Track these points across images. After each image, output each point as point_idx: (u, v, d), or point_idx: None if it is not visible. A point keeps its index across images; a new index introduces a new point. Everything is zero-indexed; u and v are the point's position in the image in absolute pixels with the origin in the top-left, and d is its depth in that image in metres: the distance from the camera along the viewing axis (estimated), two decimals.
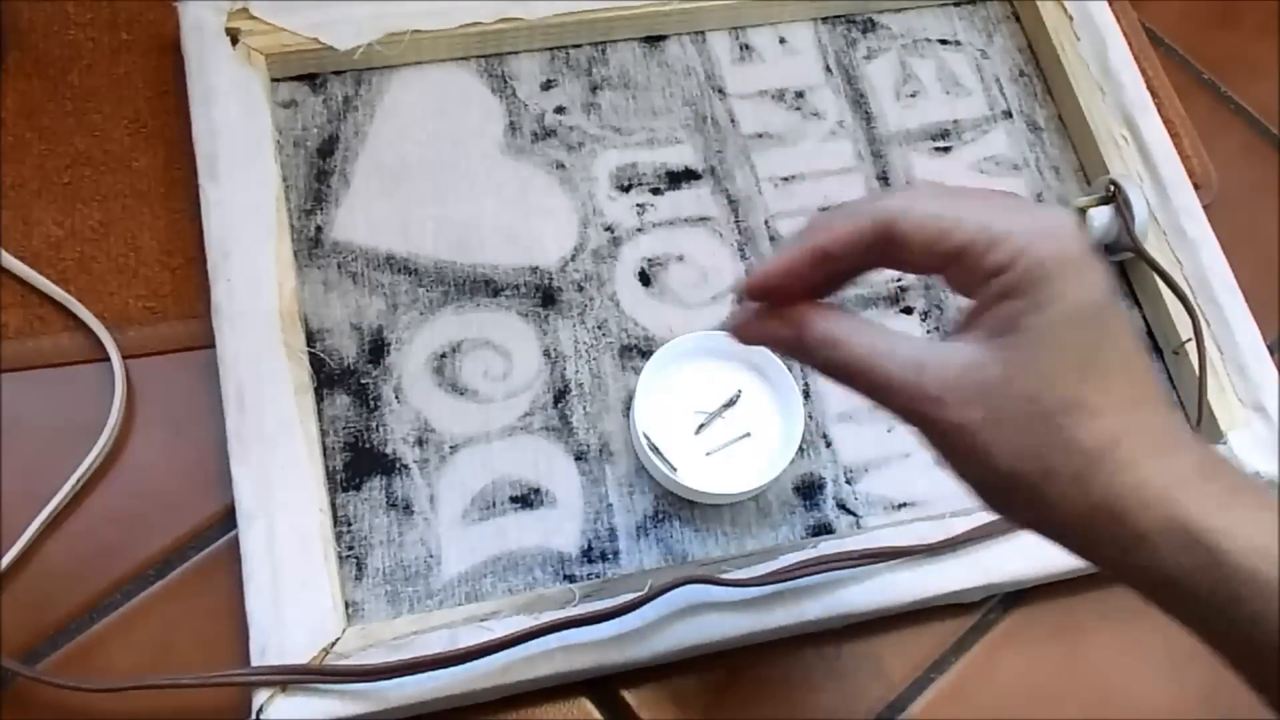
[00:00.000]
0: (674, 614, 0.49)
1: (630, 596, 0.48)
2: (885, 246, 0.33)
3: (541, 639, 0.47)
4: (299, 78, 0.60)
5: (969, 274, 0.33)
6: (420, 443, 0.53)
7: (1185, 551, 0.31)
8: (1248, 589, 0.30)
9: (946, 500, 0.54)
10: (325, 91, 0.60)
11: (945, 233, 0.32)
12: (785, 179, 0.62)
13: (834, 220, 0.34)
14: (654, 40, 0.64)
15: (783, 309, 0.35)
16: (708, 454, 0.54)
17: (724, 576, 0.49)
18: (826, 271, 0.35)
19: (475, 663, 0.47)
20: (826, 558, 0.50)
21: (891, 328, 0.35)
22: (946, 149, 0.64)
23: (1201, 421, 0.56)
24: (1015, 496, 0.33)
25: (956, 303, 0.59)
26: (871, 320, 0.36)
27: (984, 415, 0.32)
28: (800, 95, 0.64)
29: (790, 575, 0.49)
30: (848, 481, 0.55)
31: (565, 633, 0.48)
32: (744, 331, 0.36)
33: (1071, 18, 0.65)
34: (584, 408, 0.55)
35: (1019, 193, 0.63)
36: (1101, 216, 0.59)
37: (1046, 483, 0.32)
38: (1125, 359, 0.33)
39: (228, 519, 0.51)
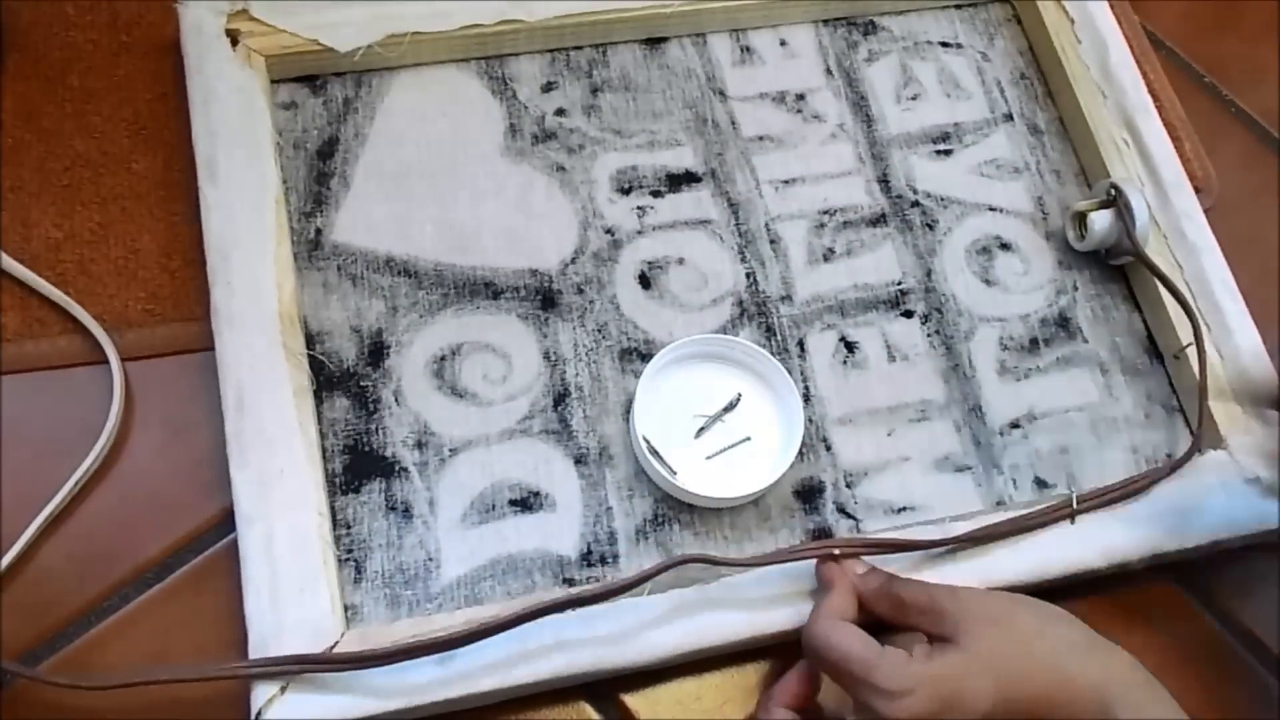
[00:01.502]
0: (674, 616, 0.49)
1: (631, 576, 0.48)
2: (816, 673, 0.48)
3: (539, 642, 0.48)
4: (299, 79, 0.60)
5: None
6: (420, 445, 0.53)
7: None
8: None
9: (946, 504, 0.54)
10: (325, 93, 0.60)
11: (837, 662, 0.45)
12: (785, 182, 0.61)
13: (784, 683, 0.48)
14: (654, 42, 0.64)
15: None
16: (708, 458, 0.53)
17: (721, 558, 0.49)
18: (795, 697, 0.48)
19: (473, 666, 0.47)
20: (828, 544, 0.50)
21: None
22: (947, 152, 0.63)
23: (1202, 426, 0.56)
24: None
25: (955, 306, 0.59)
26: None
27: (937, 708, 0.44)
28: (801, 98, 0.64)
29: (790, 558, 0.50)
30: (847, 485, 0.55)
31: (564, 634, 0.48)
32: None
33: (1073, 20, 0.65)
34: (584, 411, 0.55)
35: (1020, 196, 0.63)
36: (1102, 220, 0.59)
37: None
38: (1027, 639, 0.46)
39: (226, 522, 0.51)
